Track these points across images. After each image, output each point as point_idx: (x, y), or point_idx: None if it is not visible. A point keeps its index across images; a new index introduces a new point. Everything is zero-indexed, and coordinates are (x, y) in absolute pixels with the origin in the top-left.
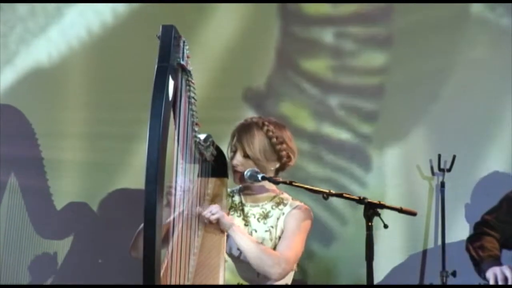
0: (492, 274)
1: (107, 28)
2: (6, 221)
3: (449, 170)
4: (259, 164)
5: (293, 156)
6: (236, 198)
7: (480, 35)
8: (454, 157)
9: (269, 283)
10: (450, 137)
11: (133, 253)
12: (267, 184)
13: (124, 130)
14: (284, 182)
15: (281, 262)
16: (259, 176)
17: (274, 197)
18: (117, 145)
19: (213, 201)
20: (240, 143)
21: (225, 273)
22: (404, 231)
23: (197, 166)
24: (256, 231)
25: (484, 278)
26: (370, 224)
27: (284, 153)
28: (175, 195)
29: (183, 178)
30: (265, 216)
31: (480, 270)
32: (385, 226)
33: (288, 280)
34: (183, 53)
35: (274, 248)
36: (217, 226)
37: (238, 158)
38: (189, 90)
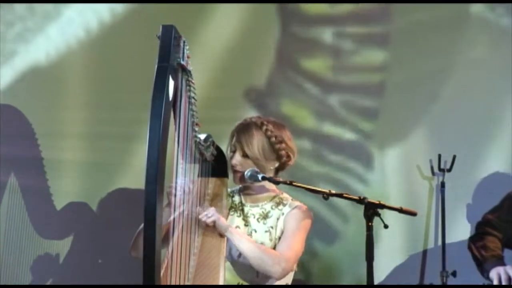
0: (496, 274)
1: (107, 28)
2: (6, 221)
3: (449, 170)
4: (258, 164)
5: (292, 156)
6: (236, 198)
7: (480, 35)
8: (454, 157)
9: (269, 283)
10: (450, 137)
11: (133, 253)
12: (267, 184)
13: (124, 130)
14: (284, 182)
15: (281, 261)
16: (259, 176)
17: (274, 197)
18: (117, 145)
19: (213, 201)
20: (239, 142)
21: (225, 273)
22: (404, 231)
23: (197, 166)
24: (256, 231)
25: (487, 278)
26: (370, 224)
27: (283, 152)
28: (175, 195)
29: (183, 178)
30: (265, 216)
31: (483, 270)
32: (385, 226)
33: (288, 280)
34: (183, 53)
35: (274, 249)
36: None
37: (237, 158)
38: (189, 90)
